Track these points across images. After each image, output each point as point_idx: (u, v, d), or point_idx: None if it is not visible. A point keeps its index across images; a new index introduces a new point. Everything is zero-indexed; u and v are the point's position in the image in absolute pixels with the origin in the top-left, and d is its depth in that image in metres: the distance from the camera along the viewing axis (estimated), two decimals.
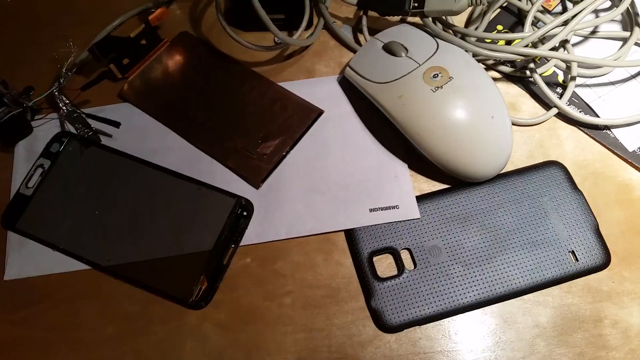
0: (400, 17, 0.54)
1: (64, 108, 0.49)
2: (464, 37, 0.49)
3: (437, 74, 0.44)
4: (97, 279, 0.44)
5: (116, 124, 0.48)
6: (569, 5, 0.55)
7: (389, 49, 0.48)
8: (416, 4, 0.48)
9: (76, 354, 0.42)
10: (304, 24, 0.51)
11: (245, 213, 0.45)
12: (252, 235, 0.45)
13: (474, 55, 0.48)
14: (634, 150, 0.48)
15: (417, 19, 0.53)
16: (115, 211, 0.46)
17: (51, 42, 0.53)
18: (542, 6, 0.53)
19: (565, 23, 0.49)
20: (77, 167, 0.48)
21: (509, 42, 0.50)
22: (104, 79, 0.51)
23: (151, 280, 0.43)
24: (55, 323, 0.43)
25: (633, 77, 0.51)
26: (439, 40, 0.47)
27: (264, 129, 0.49)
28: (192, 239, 0.44)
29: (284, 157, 0.48)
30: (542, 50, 0.47)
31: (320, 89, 0.51)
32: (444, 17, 0.51)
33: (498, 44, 0.50)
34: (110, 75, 0.51)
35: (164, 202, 0.46)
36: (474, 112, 0.44)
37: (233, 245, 0.44)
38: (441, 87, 0.44)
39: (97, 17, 0.55)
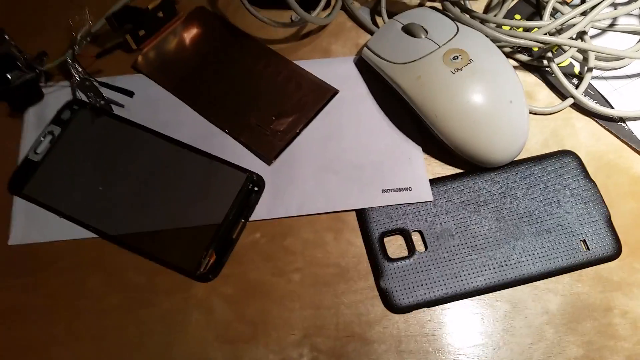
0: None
1: (77, 76, 0.49)
2: (483, 22, 0.49)
3: (457, 56, 0.44)
4: (103, 248, 0.44)
5: (130, 93, 0.47)
6: None
7: (408, 30, 0.47)
8: None
9: (79, 323, 0.41)
10: (323, 3, 0.51)
11: (256, 188, 0.45)
12: (262, 210, 0.45)
13: (493, 41, 0.48)
14: None
15: (436, 3, 0.52)
16: (124, 181, 0.45)
17: (66, 9, 0.53)
18: None
19: (584, 14, 0.48)
20: (88, 136, 0.47)
21: (527, 30, 0.50)
22: (118, 49, 0.50)
23: (159, 251, 0.43)
24: (59, 291, 0.42)
25: None
26: (458, 24, 0.47)
27: (278, 106, 0.48)
28: (201, 211, 0.44)
29: (298, 134, 0.47)
30: (562, 39, 0.47)
31: (335, 69, 0.50)
32: (462, 2, 0.50)
33: (518, 30, 0.50)
34: (125, 46, 0.51)
35: (175, 174, 0.45)
36: (493, 96, 0.43)
37: (243, 220, 0.44)
38: (461, 69, 0.44)
39: None
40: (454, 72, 0.43)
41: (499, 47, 0.50)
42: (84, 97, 0.49)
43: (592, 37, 0.53)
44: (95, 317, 0.42)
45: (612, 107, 0.49)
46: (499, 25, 0.49)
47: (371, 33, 0.52)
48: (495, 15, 0.51)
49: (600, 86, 0.50)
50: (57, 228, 0.44)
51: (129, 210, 0.44)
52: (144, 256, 0.43)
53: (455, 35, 0.46)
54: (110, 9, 0.51)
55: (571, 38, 0.48)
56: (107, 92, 0.48)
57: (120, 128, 0.47)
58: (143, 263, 0.43)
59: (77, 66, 0.49)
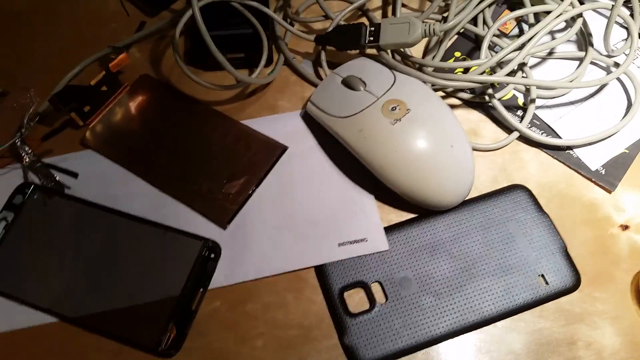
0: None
1: (26, 158, 0.49)
2: (421, 67, 0.50)
3: (395, 107, 0.45)
4: (63, 332, 0.43)
5: (74, 175, 0.47)
6: (525, 27, 0.56)
7: (347, 83, 0.48)
8: (372, 38, 0.48)
9: None
10: (263, 61, 0.52)
11: (212, 255, 0.45)
12: (220, 277, 0.44)
13: (432, 85, 0.49)
14: (597, 169, 0.48)
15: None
16: (81, 261, 0.45)
17: (11, 91, 0.53)
18: (498, 30, 0.54)
19: (522, 47, 0.49)
20: (42, 219, 0.47)
21: (467, 69, 0.51)
22: (66, 128, 0.51)
23: (119, 330, 0.42)
24: None
25: (591, 96, 0.52)
26: (396, 73, 0.48)
27: (228, 168, 0.49)
28: (159, 285, 0.44)
29: (250, 195, 0.47)
30: (498, 77, 0.48)
31: (283, 125, 0.51)
32: (401, 49, 0.51)
33: (456, 71, 0.51)
34: (72, 123, 0.51)
35: (130, 249, 0.45)
36: (433, 143, 0.44)
37: (202, 289, 0.44)
38: (399, 119, 0.44)
39: (56, 65, 0.54)
40: (393, 123, 0.44)
41: (439, 88, 0.51)
42: (35, 179, 0.49)
43: (533, 66, 0.54)
44: None
45: (559, 136, 0.50)
46: (438, 69, 0.50)
47: (315, 86, 0.52)
48: (433, 57, 0.52)
49: (545, 115, 0.51)
50: (18, 316, 0.44)
51: (88, 290, 0.44)
52: (105, 336, 0.43)
53: (392, 84, 0.46)
54: (54, 87, 0.52)
55: (511, 71, 0.49)
56: (58, 172, 0.48)
57: (73, 208, 0.47)
58: (105, 343, 0.42)
59: (26, 149, 0.49)
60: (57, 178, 0.48)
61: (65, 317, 0.43)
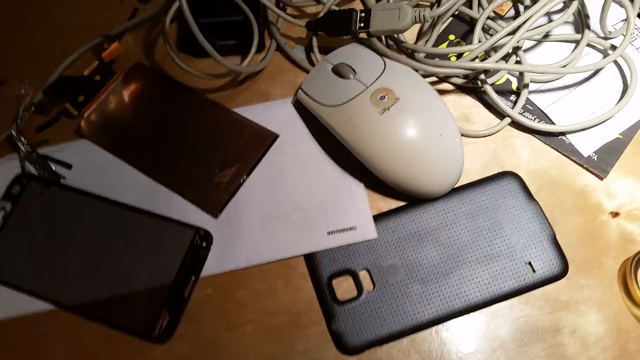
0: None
1: (23, 149, 0.50)
2: (413, 53, 0.49)
3: (384, 96, 0.45)
4: (61, 319, 0.44)
5: (68, 166, 0.48)
6: (521, 8, 0.55)
7: (337, 71, 0.48)
8: (362, 25, 0.48)
9: None
10: (254, 48, 0.51)
11: (204, 244, 0.46)
12: (212, 265, 0.45)
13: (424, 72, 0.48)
14: (589, 155, 0.48)
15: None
16: (77, 250, 0.46)
17: (6, 82, 0.54)
18: (494, 12, 0.53)
19: (516, 30, 0.48)
20: (39, 208, 0.48)
21: (460, 54, 0.50)
22: (61, 117, 0.52)
23: (114, 317, 0.44)
24: None
25: (586, 80, 0.51)
26: (386, 60, 0.48)
27: (220, 156, 0.49)
28: (153, 273, 0.45)
29: (241, 184, 0.48)
30: (489, 63, 0.47)
31: (275, 113, 0.51)
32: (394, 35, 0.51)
33: (449, 56, 0.50)
34: (67, 113, 0.51)
35: (124, 238, 0.46)
36: (421, 133, 0.44)
37: (194, 277, 0.45)
38: (388, 109, 0.44)
39: (50, 53, 0.54)
40: (381, 112, 0.44)
41: (431, 74, 0.50)
42: (32, 170, 0.50)
43: (528, 49, 0.53)
44: None
45: (552, 121, 0.49)
46: (430, 55, 0.49)
47: (307, 72, 0.52)
48: (426, 42, 0.52)
49: (539, 100, 0.50)
50: (16, 303, 0.45)
51: (83, 278, 0.45)
52: (101, 323, 0.44)
53: (382, 72, 0.46)
54: (49, 77, 0.52)
55: (505, 55, 0.48)
56: (52, 163, 0.49)
57: (70, 198, 0.48)
58: (101, 330, 0.44)
59: (22, 139, 0.50)
60: (53, 168, 0.49)
61: (61, 304, 0.45)
